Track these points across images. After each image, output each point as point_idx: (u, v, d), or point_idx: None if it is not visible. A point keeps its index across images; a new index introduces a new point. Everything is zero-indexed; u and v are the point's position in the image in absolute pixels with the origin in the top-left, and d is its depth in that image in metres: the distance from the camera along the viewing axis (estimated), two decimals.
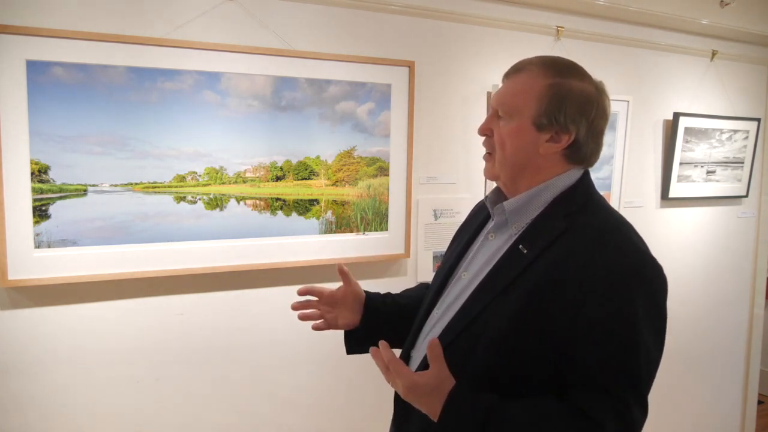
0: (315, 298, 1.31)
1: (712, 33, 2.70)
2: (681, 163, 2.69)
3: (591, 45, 2.42)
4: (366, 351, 1.14)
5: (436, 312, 1.15)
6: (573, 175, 1.07)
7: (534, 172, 1.06)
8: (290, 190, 1.86)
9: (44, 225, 1.54)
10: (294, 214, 1.87)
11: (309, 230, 1.89)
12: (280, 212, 1.85)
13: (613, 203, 2.50)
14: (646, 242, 1.04)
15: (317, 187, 1.89)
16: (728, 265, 3.01)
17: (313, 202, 1.89)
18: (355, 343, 1.31)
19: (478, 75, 2.18)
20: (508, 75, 1.10)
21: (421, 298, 1.32)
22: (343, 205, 1.94)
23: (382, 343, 1.02)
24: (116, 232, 1.63)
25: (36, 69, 1.48)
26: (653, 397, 1.01)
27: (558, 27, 2.30)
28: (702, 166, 2.77)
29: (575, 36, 2.36)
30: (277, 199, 1.84)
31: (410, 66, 1.98)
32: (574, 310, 0.94)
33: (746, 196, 2.96)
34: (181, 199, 1.70)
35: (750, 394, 3.19)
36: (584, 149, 1.06)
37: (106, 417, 1.69)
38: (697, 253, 2.88)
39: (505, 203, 1.08)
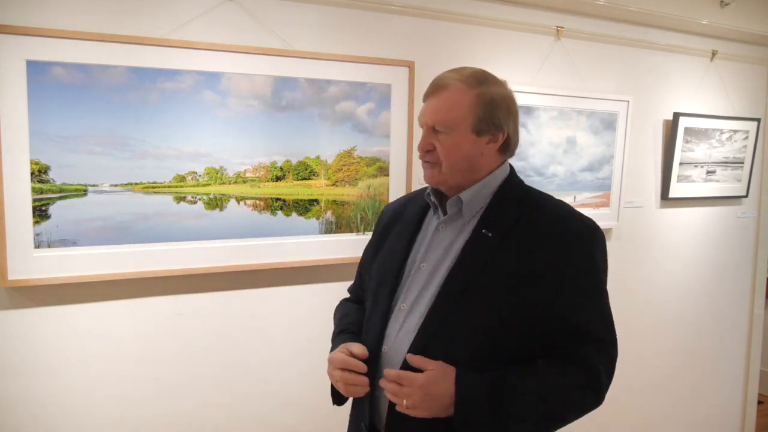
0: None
1: (712, 33, 2.70)
2: (681, 163, 2.69)
3: (591, 45, 2.41)
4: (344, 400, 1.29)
5: (403, 305, 1.18)
6: (506, 168, 1.24)
7: (477, 171, 1.20)
8: (290, 190, 1.86)
9: (44, 225, 1.54)
10: (294, 214, 1.87)
11: (309, 230, 1.89)
12: (280, 212, 1.85)
13: (613, 203, 2.51)
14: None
15: (317, 187, 1.89)
16: (728, 265, 3.01)
17: (313, 202, 1.89)
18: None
19: None
20: (433, 94, 1.19)
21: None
22: (343, 205, 1.94)
23: (387, 371, 1.10)
24: (116, 232, 1.63)
25: (36, 69, 1.48)
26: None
27: (558, 27, 2.30)
28: (702, 166, 2.77)
29: (575, 36, 2.36)
30: (277, 199, 1.84)
31: (410, 66, 1.98)
32: (556, 283, 1.09)
33: (746, 196, 2.96)
34: (181, 199, 1.70)
35: (750, 394, 3.19)
36: (512, 141, 1.22)
37: (106, 417, 1.69)
38: (697, 254, 2.88)
39: (461, 195, 1.19)
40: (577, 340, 1.10)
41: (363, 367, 1.15)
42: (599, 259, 1.15)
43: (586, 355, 1.10)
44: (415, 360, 1.08)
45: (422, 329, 1.12)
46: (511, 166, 1.26)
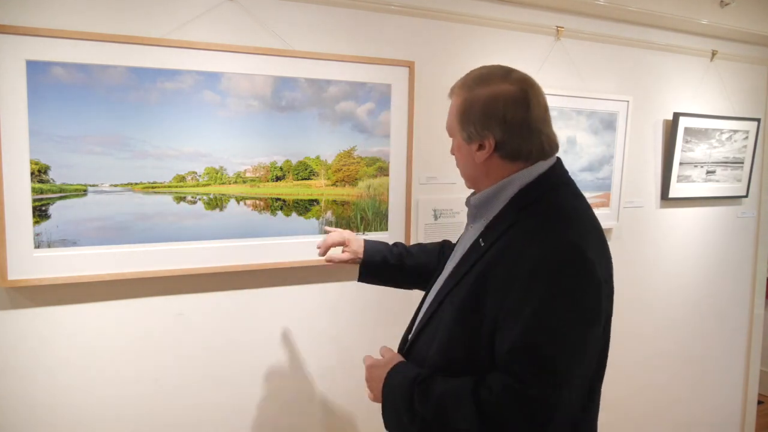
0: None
1: (712, 33, 2.70)
2: (681, 163, 2.69)
3: (591, 45, 2.42)
4: (374, 283, 1.56)
5: (427, 299, 1.28)
6: (537, 168, 1.11)
7: (485, 177, 1.15)
8: (290, 190, 1.86)
9: (44, 225, 1.54)
10: (294, 214, 1.87)
11: (309, 230, 1.89)
12: (279, 212, 1.85)
13: (613, 203, 2.50)
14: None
15: (317, 187, 1.89)
16: (728, 265, 3.01)
17: (313, 202, 1.89)
18: (365, 277, 1.55)
19: None
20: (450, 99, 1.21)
21: (435, 253, 1.53)
22: (343, 205, 1.94)
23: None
24: (116, 232, 1.63)
25: (36, 69, 1.49)
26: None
27: (558, 27, 2.30)
28: (702, 166, 2.77)
29: (575, 36, 2.36)
30: (277, 199, 1.84)
31: (410, 66, 1.98)
32: (498, 299, 1.01)
33: (746, 196, 2.96)
34: (181, 199, 1.70)
35: (750, 394, 3.19)
36: (511, 146, 1.09)
37: (106, 417, 1.69)
38: (697, 254, 2.88)
39: (471, 198, 1.19)
40: (498, 365, 1.00)
41: (321, 250, 1.53)
42: (553, 295, 0.96)
43: (500, 382, 0.97)
44: (382, 349, 1.23)
45: (418, 324, 1.22)
46: (550, 170, 1.12)
